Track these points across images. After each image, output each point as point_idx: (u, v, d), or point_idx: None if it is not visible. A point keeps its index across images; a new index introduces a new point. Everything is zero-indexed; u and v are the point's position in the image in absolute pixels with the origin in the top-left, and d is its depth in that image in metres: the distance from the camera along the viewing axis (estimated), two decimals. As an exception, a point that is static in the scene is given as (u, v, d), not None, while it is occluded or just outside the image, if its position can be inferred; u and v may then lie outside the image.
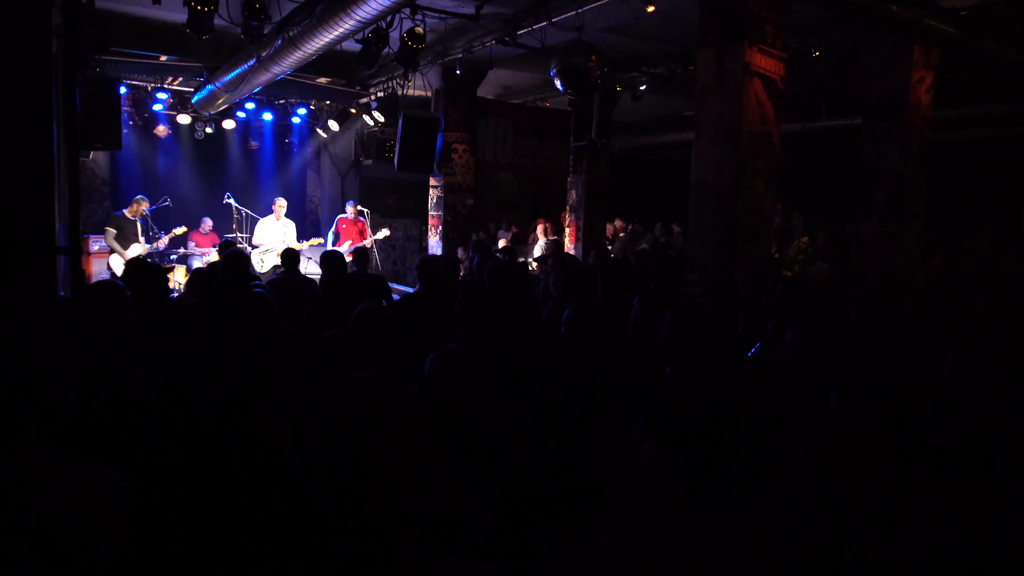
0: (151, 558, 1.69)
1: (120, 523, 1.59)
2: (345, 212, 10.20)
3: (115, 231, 8.82)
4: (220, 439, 2.00)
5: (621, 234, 10.85)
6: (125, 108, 9.64)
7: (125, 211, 8.98)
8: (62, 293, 4.53)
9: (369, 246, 9.68)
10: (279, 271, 7.21)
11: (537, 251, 9.50)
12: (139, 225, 9.01)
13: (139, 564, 1.62)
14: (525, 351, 2.71)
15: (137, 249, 8.81)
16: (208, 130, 11.03)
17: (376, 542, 1.19)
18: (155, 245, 9.08)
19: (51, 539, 1.46)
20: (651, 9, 6.28)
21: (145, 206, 9.03)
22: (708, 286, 5.26)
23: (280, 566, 1.47)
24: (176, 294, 8.98)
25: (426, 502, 1.26)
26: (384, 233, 10.24)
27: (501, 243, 10.32)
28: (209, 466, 1.93)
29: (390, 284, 6.47)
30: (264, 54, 6.95)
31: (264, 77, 7.63)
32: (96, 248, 9.17)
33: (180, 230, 9.40)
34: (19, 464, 1.55)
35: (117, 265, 8.57)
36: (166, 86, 10.10)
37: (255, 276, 7.11)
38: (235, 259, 5.18)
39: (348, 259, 9.49)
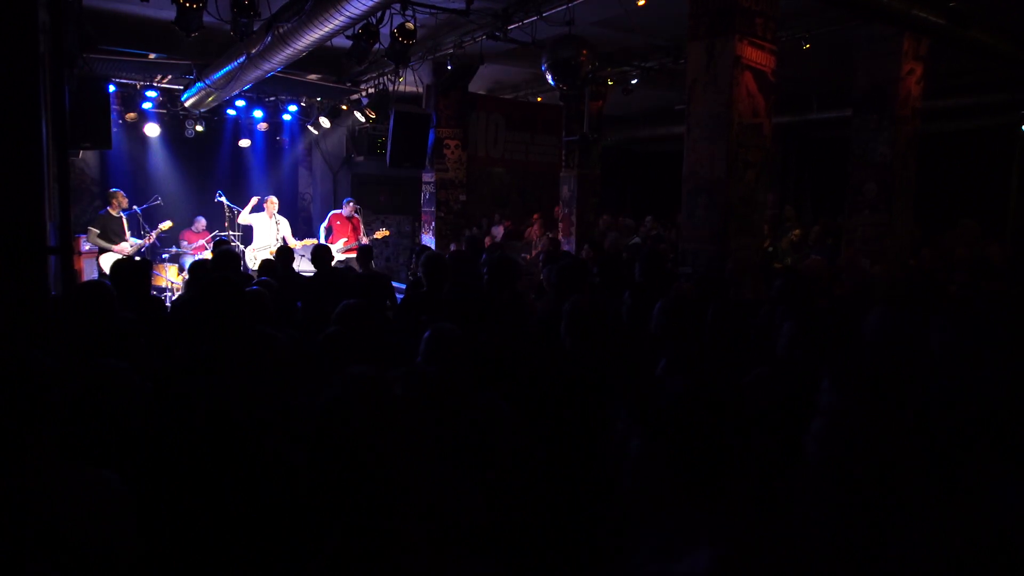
0: (153, 560, 1.69)
1: (125, 526, 1.59)
2: (341, 209, 10.13)
3: (98, 231, 8.65)
4: (216, 440, 1.99)
5: (611, 231, 10.83)
6: (114, 107, 9.56)
7: (109, 209, 8.82)
8: (53, 293, 4.50)
9: (365, 243, 9.66)
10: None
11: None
12: (125, 220, 8.82)
13: (143, 566, 1.62)
14: (517, 344, 2.71)
15: (126, 247, 8.69)
16: (198, 128, 10.96)
17: (373, 538, 1.19)
18: (144, 241, 8.94)
19: (60, 543, 1.46)
20: (642, 3, 6.28)
21: (122, 198, 8.79)
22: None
23: (279, 565, 1.48)
24: (169, 292, 8.98)
25: (423, 497, 1.26)
26: (383, 233, 10.22)
27: (508, 238, 10.29)
28: (205, 466, 1.93)
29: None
30: (254, 51, 6.91)
31: (254, 74, 7.59)
32: (87, 248, 9.09)
33: (166, 225, 9.23)
34: (24, 468, 1.55)
35: (107, 264, 8.45)
36: (155, 84, 10.03)
37: (248, 275, 7.10)
38: (227, 258, 5.16)
39: (343, 256, 9.58)
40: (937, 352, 2.11)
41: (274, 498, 1.73)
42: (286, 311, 5.00)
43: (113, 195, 8.82)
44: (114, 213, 8.76)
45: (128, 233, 8.84)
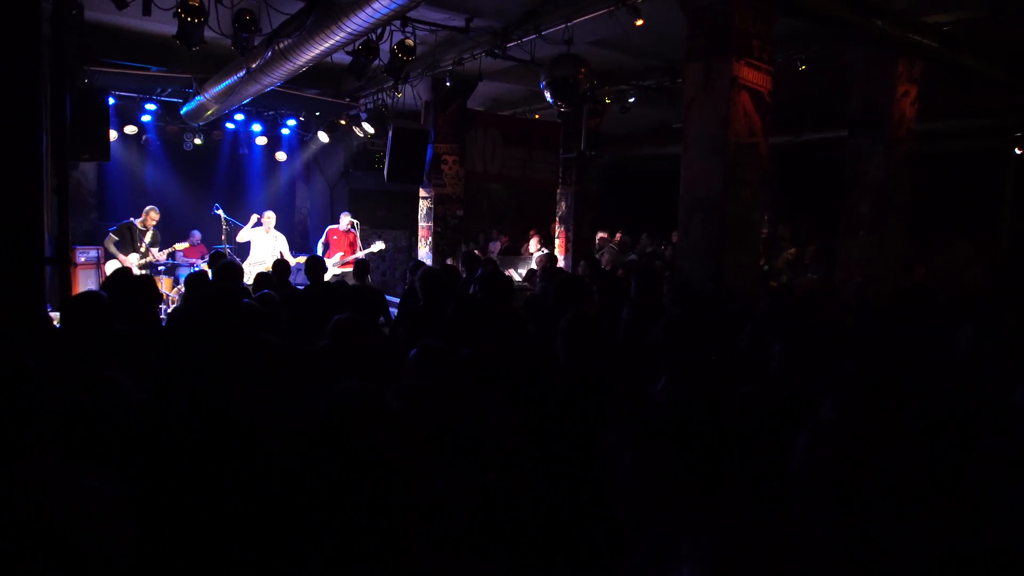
0: (153, 561, 1.67)
1: (124, 527, 1.58)
2: (338, 223, 10.16)
3: (117, 238, 8.90)
4: (215, 440, 1.99)
5: (605, 248, 10.87)
6: (113, 119, 9.61)
7: (136, 220, 9.04)
8: (48, 305, 4.49)
9: (362, 258, 9.67)
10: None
11: (533, 263, 9.48)
12: (151, 235, 9.07)
13: (142, 567, 1.61)
14: (513, 354, 2.72)
15: (133, 259, 8.81)
16: (197, 141, 11.00)
17: (373, 538, 1.19)
18: (154, 258, 9.06)
19: (59, 545, 1.45)
20: (640, 23, 6.34)
21: (155, 214, 9.13)
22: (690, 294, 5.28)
23: (279, 565, 1.46)
24: (163, 305, 8.97)
25: (422, 497, 1.26)
26: (379, 246, 10.22)
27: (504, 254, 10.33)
28: (204, 466, 1.92)
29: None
30: (254, 66, 6.95)
31: (254, 88, 7.63)
32: (83, 259, 9.11)
33: (181, 246, 9.43)
34: (23, 470, 1.54)
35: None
36: (155, 97, 10.07)
37: (247, 290, 7.10)
38: (229, 270, 5.16)
39: (339, 271, 9.58)
40: (938, 354, 2.12)
41: (274, 498, 1.72)
42: (281, 323, 4.99)
43: (147, 212, 9.13)
44: (140, 227, 9.01)
45: (145, 246, 9.03)
